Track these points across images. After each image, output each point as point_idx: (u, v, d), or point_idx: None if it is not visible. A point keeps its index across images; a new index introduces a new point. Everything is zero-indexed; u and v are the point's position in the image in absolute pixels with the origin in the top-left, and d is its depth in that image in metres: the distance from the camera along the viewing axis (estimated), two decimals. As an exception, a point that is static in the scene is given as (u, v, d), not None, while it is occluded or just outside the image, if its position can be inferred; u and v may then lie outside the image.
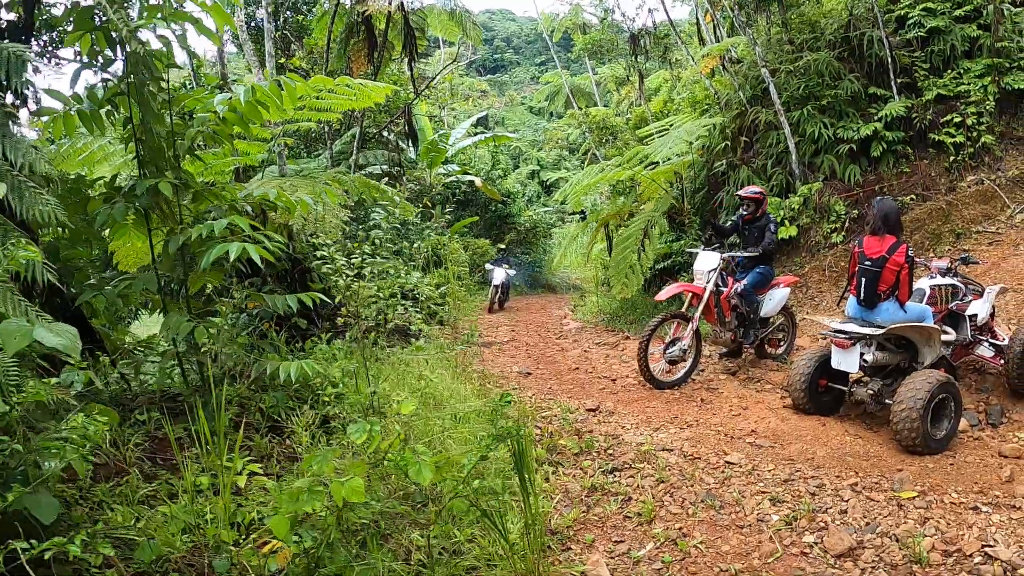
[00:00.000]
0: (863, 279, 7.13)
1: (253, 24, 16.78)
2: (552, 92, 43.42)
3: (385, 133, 18.25)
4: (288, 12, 16.94)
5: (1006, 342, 7.84)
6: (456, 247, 13.59)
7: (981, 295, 8.17)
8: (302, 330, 7.78)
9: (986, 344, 8.09)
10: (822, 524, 4.75)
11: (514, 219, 27.76)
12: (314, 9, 17.65)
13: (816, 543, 4.50)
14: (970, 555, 4.31)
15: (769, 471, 5.76)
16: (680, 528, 4.72)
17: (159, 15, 4.57)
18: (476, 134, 24.87)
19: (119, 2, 4.57)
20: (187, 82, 15.45)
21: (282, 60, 15.40)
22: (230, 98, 5.13)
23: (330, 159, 15.46)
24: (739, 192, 9.87)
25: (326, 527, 3.34)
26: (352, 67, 15.73)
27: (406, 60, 16.42)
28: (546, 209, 35.11)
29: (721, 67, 17.84)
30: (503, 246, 18.18)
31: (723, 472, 5.75)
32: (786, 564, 4.27)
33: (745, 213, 9.63)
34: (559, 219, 37.10)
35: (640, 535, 4.62)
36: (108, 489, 3.62)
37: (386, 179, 16.34)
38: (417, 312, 9.33)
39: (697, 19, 21.73)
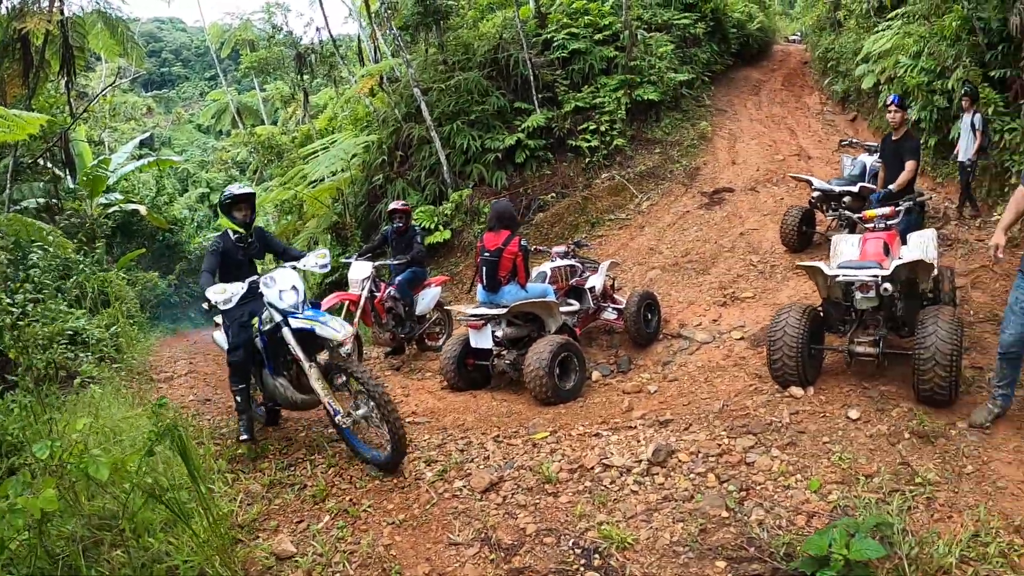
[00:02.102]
0: (484, 268, 8.24)
1: None
2: (219, 110, 42.18)
3: (41, 161, 17.14)
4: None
5: (624, 304, 9.46)
6: (122, 283, 12.74)
7: (597, 270, 9.73)
8: None
9: (609, 309, 9.72)
10: (468, 471, 5.56)
11: (184, 247, 25.75)
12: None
13: (464, 486, 5.31)
14: (591, 468, 5.30)
15: (425, 440, 6.50)
16: (350, 499, 5.33)
17: None
18: (140, 157, 23.66)
19: None
20: None
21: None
22: None
23: None
24: (392, 206, 10.58)
25: (31, 556, 3.56)
26: (6, 88, 14.80)
27: (64, 80, 15.78)
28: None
29: (380, 86, 18.68)
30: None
31: None
32: (441, 507, 5.03)
33: (400, 225, 10.34)
34: None
35: (316, 512, 5.16)
36: None
37: (46, 213, 15.56)
38: (88, 356, 9.11)
39: (359, 39, 22.40)
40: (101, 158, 20.49)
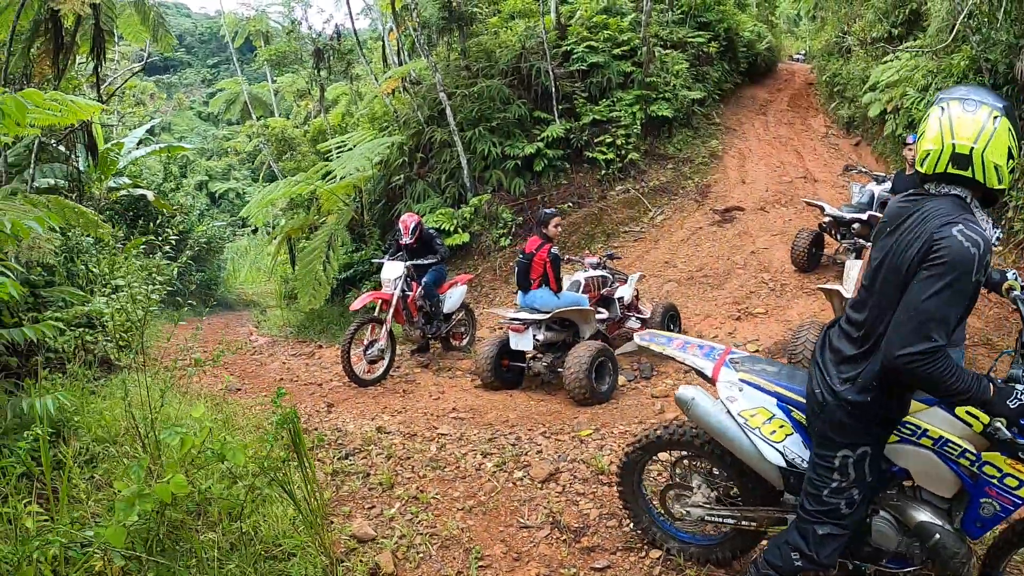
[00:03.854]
0: (518, 269, 8.78)
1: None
2: (229, 99, 42.08)
3: (54, 142, 17.02)
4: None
5: (648, 315, 9.99)
6: (133, 267, 12.46)
7: (626, 281, 10.30)
8: (13, 369, 7.18)
9: (634, 318, 10.19)
10: (526, 463, 5.94)
11: (188, 235, 24.47)
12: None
13: (524, 476, 5.69)
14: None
15: (475, 435, 6.85)
16: (417, 487, 5.61)
17: None
18: (147, 143, 23.59)
19: None
20: None
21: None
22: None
23: (4, 173, 14.47)
24: (404, 220, 10.54)
25: (152, 538, 3.69)
26: (34, 68, 14.84)
27: (92, 63, 15.80)
28: (218, 223, 33.46)
29: (402, 88, 19.00)
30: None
31: (438, 442, 6.73)
32: (505, 495, 5.39)
33: (410, 241, 10.38)
34: (231, 233, 35.88)
35: (386, 499, 5.43)
36: None
37: (69, 195, 15.60)
38: (108, 341, 9.16)
39: (383, 40, 22.65)
40: (114, 142, 20.26)
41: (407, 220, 10.47)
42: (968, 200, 2.83)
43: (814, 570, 3.32)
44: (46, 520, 3.90)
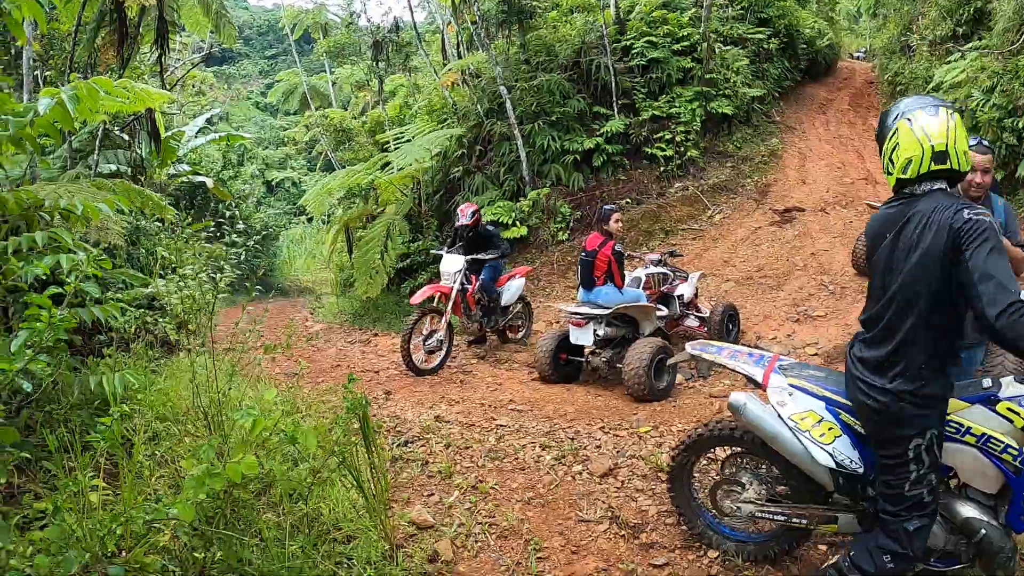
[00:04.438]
0: (581, 267, 8.77)
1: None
2: (288, 90, 42.63)
3: (116, 130, 17.25)
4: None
5: (707, 314, 9.93)
6: (194, 251, 12.66)
7: (686, 279, 10.28)
8: (79, 348, 7.09)
9: (692, 316, 10.17)
10: (585, 457, 5.94)
11: (246, 222, 25.16)
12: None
13: (583, 470, 5.69)
14: (698, 460, 5.61)
15: (533, 427, 6.87)
16: (476, 477, 5.66)
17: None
18: (206, 131, 23.86)
19: None
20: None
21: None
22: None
23: (69, 158, 14.79)
24: (462, 207, 10.73)
25: (219, 516, 3.75)
26: (98, 57, 15.06)
27: (155, 53, 16.00)
28: (275, 211, 34.01)
29: (461, 81, 19.04)
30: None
31: (497, 433, 6.76)
32: (564, 488, 5.40)
33: (467, 222, 10.48)
34: (287, 221, 36.39)
35: (445, 487, 5.48)
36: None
37: (131, 180, 15.85)
38: (167, 322, 9.30)
39: (442, 33, 22.73)
40: (175, 130, 20.62)
41: (465, 207, 10.61)
42: (948, 189, 3.22)
43: (907, 568, 3.41)
44: (108, 494, 4.00)
